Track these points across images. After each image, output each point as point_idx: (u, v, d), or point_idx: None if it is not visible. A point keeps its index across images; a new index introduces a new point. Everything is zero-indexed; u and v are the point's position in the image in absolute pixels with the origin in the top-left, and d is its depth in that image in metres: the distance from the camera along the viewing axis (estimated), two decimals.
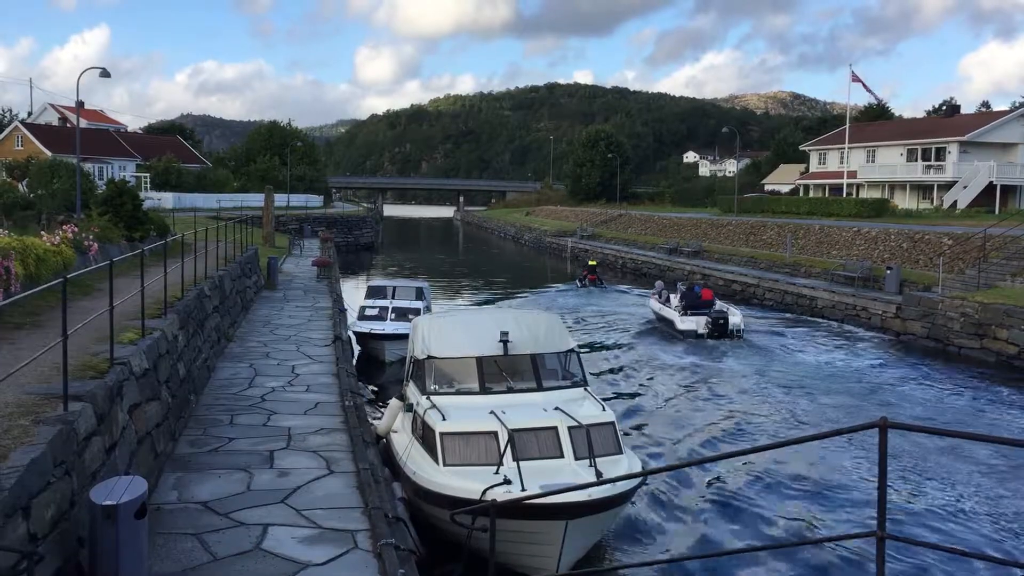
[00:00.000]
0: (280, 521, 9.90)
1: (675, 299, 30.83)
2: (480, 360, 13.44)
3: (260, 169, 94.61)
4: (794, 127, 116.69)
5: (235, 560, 8.85)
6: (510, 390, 13.14)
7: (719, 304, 30.39)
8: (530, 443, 11.35)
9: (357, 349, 24.78)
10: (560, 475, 10.84)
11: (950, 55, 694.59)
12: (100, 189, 37.08)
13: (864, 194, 66.74)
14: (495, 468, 10.99)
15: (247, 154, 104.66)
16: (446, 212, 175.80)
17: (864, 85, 66.20)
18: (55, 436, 7.50)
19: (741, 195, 70.30)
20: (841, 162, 71.49)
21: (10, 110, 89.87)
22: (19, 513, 6.48)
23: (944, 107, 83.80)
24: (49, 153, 62.18)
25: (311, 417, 14.60)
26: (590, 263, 48.24)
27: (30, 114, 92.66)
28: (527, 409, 12.20)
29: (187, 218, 42.83)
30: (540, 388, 13.28)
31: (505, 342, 13.55)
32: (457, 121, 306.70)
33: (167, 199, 65.51)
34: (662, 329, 31.21)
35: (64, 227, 20.41)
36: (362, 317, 25.39)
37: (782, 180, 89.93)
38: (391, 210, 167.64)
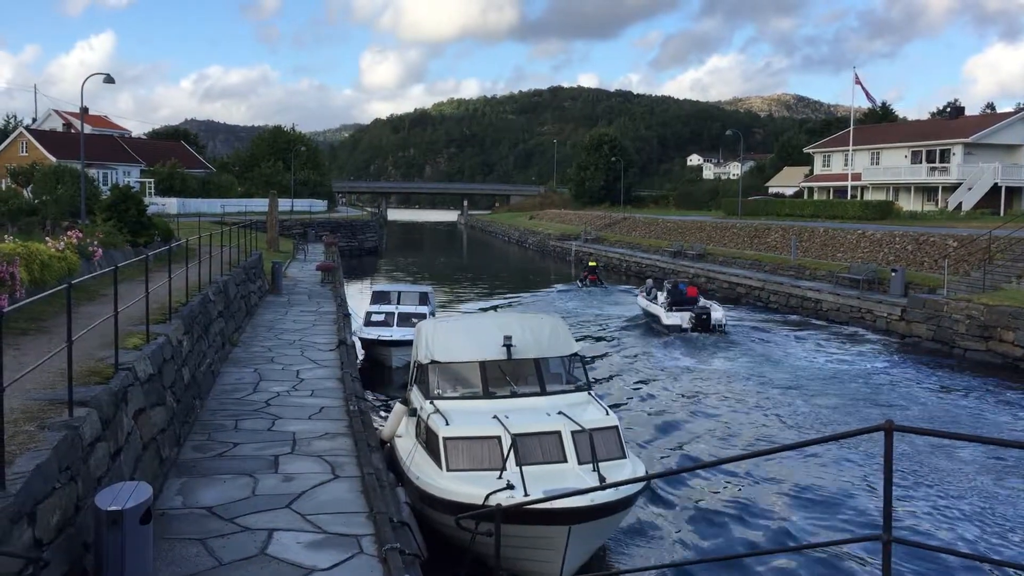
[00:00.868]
0: (285, 526, 9.91)
1: (662, 296, 32.32)
2: (483, 364, 13.43)
3: (264, 174, 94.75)
4: (798, 130, 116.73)
5: (240, 565, 8.85)
6: (514, 394, 13.13)
7: (703, 301, 31.94)
8: (533, 448, 11.33)
9: (361, 354, 24.78)
10: (563, 480, 10.82)
11: (955, 57, 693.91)
12: (104, 195, 37.17)
13: (868, 196, 66.68)
14: (498, 473, 10.98)
15: (251, 159, 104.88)
16: (450, 216, 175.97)
17: (865, 91, 66.16)
18: (60, 442, 7.52)
19: (745, 198, 70.29)
20: (845, 164, 71.44)
21: (15, 116, 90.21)
22: (25, 519, 6.49)
23: (948, 109, 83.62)
24: (54, 159, 62.38)
25: (316, 422, 14.60)
26: (590, 264, 49.71)
27: (34, 120, 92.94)
28: (530, 413, 12.19)
29: (191, 223, 42.91)
30: (544, 392, 13.25)
31: (508, 346, 13.54)
32: (461, 125, 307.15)
33: (171, 204, 65.64)
34: (649, 324, 32.67)
35: (69, 233, 20.46)
36: (368, 323, 25.39)
37: (786, 183, 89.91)
38: (395, 214, 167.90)
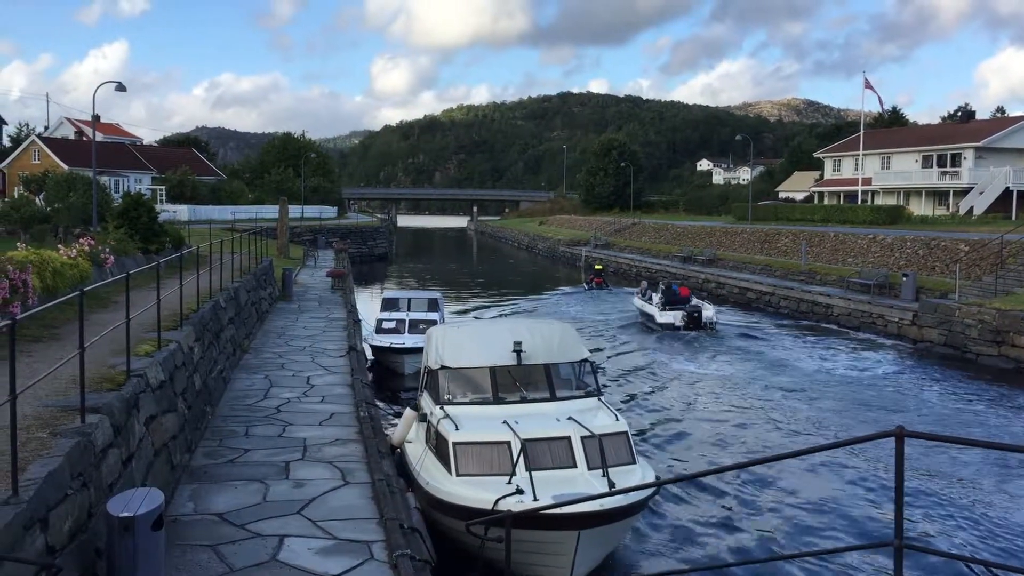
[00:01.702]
0: (296, 532, 9.93)
1: (656, 296, 33.88)
2: (493, 370, 13.45)
3: (274, 181, 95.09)
4: (808, 134, 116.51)
5: (252, 571, 8.87)
6: (523, 400, 13.14)
7: (695, 300, 33.56)
8: (543, 453, 11.33)
9: (371, 360, 24.80)
10: (573, 485, 10.82)
11: (966, 61, 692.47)
12: (116, 202, 37.37)
13: (879, 201, 66.46)
14: (508, 478, 10.98)
15: (261, 166, 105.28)
16: (460, 222, 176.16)
17: (876, 94, 66.03)
18: (72, 448, 7.55)
19: (755, 203, 70.14)
20: (856, 169, 71.23)
21: (27, 124, 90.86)
22: (37, 525, 6.52)
23: (959, 113, 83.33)
24: (66, 167, 62.75)
25: (326, 428, 14.63)
26: (596, 267, 52.06)
27: (47, 128, 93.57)
28: (540, 419, 12.19)
29: (202, 230, 43.06)
30: (553, 398, 13.27)
31: (518, 352, 13.55)
32: (470, 131, 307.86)
33: (182, 211, 65.95)
34: (644, 323, 34.26)
35: (81, 240, 20.58)
36: (379, 330, 25.43)
37: (796, 187, 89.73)
38: (405, 220, 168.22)
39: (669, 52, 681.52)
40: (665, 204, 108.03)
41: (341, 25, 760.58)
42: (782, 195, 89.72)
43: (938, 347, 28.14)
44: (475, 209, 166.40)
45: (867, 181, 68.89)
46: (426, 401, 14.10)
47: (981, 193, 58.69)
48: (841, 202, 69.53)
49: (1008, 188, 57.16)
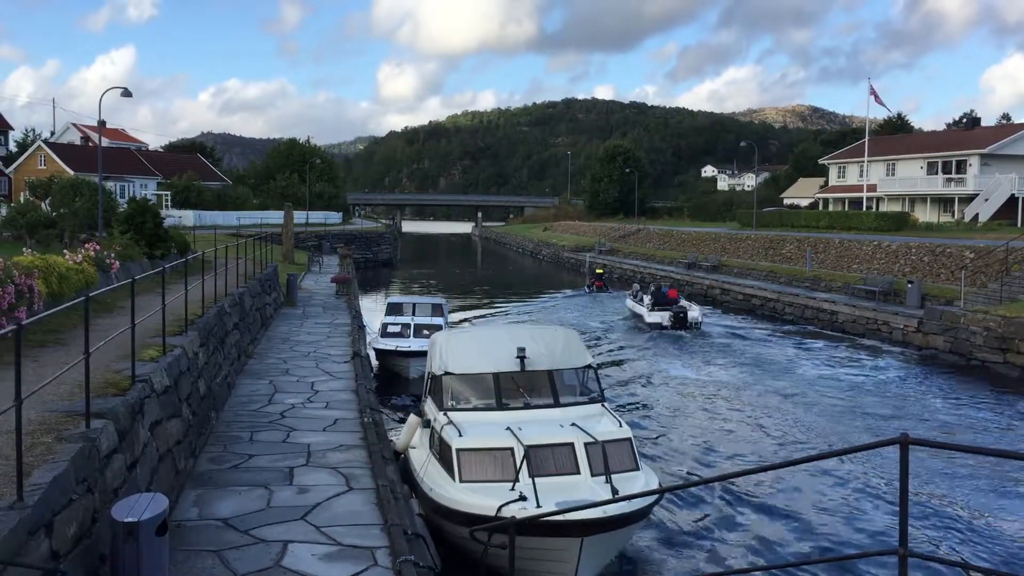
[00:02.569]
0: (300, 538, 9.93)
1: (647, 298, 35.75)
2: (497, 376, 13.45)
3: (279, 186, 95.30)
4: (813, 141, 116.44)
5: None
6: (527, 406, 13.13)
7: (683, 301, 35.64)
8: (546, 459, 11.33)
9: (375, 365, 24.83)
10: (576, 492, 10.81)
11: (973, 68, 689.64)
12: (122, 207, 37.46)
13: (884, 208, 66.37)
14: (511, 484, 10.97)
15: (267, 172, 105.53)
16: (464, 228, 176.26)
17: (877, 98, 65.90)
18: (77, 453, 7.57)
19: (760, 209, 70.10)
20: (861, 175, 71.14)
21: (33, 129, 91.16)
22: (42, 530, 6.54)
23: (964, 120, 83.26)
24: (71, 172, 62.98)
25: (330, 434, 14.64)
26: (597, 271, 54.03)
27: (53, 133, 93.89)
28: (543, 425, 12.19)
29: (207, 236, 43.18)
30: (557, 404, 13.25)
31: (522, 358, 13.55)
32: (475, 137, 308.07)
33: (188, 217, 66.07)
34: (635, 324, 36.12)
35: (86, 245, 20.63)
36: (384, 335, 25.48)
37: (801, 194, 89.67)
38: (409, 226, 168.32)
39: (675, 58, 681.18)
40: (670, 210, 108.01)
41: (348, 31, 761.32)
42: (787, 202, 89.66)
43: (943, 354, 28.08)
44: (480, 215, 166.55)
45: (872, 188, 68.81)
46: (430, 407, 14.10)
47: (986, 200, 58.59)
48: (846, 209, 69.43)
49: (1013, 195, 57.03)
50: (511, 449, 11.42)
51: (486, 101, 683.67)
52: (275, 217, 69.23)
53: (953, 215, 61.68)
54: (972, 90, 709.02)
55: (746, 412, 21.41)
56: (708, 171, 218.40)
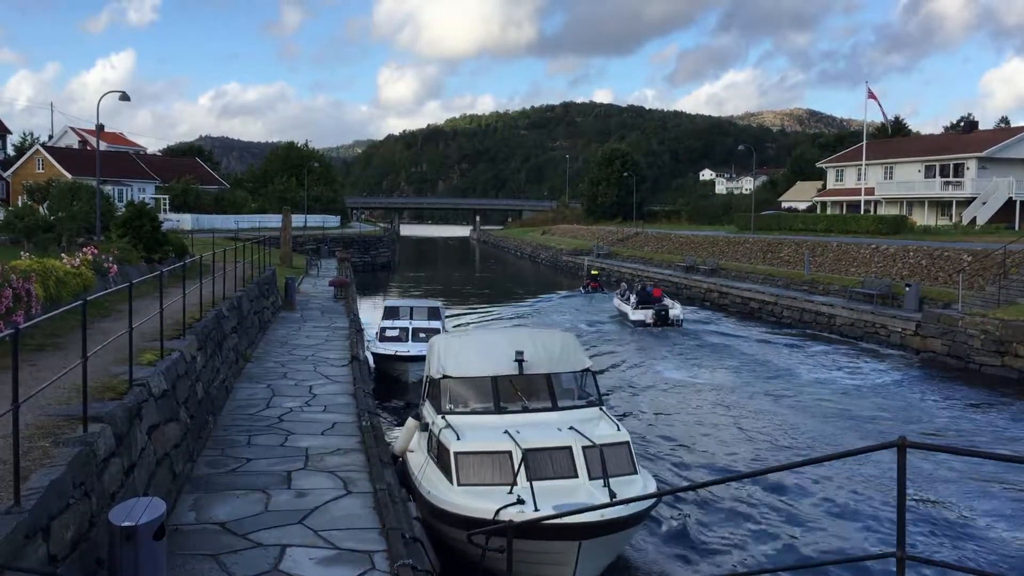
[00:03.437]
0: (298, 542, 9.92)
1: (633, 297, 37.91)
2: (495, 379, 13.44)
3: (278, 190, 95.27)
4: (811, 144, 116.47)
5: None
6: (525, 409, 13.13)
7: (666, 300, 37.70)
8: (544, 463, 11.32)
9: (372, 368, 24.82)
10: (574, 495, 10.80)
11: (972, 71, 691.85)
12: (120, 211, 37.44)
13: (882, 211, 66.43)
14: (509, 488, 10.97)
15: (265, 175, 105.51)
16: (462, 231, 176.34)
17: (880, 107, 66.07)
18: (75, 457, 7.56)
19: (758, 212, 70.13)
20: (859, 179, 71.22)
21: (31, 133, 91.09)
22: (39, 534, 6.53)
23: (962, 123, 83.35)
24: (69, 175, 62.86)
25: (328, 437, 14.63)
26: (592, 272, 56.11)
27: (51, 137, 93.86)
28: (541, 429, 12.18)
29: (206, 239, 43.18)
30: (555, 407, 13.25)
31: (520, 361, 13.54)
32: (473, 140, 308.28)
33: (186, 220, 66.05)
34: (621, 321, 38.16)
35: (84, 249, 20.61)
36: (382, 338, 25.47)
37: (799, 197, 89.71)
38: (408, 230, 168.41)
39: (675, 62, 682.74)
40: (668, 214, 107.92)
41: (349, 35, 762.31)
42: (785, 205, 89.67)
43: (941, 357, 28.10)
44: (478, 218, 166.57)
45: (870, 191, 68.88)
46: (428, 410, 14.10)
47: (984, 203, 58.69)
48: (844, 212, 69.50)
49: (1011, 198, 57.16)
50: (509, 452, 11.42)
51: (485, 105, 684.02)
52: (273, 221, 69.25)
53: (951, 218, 61.77)
54: (971, 93, 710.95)
55: (743, 415, 21.41)
56: (706, 174, 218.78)
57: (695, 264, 54.91)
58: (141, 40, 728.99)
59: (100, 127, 38.04)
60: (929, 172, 65.85)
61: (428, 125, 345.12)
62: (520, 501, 10.59)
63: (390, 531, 10.11)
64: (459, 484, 11.41)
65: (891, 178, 69.67)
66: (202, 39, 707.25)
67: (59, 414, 8.99)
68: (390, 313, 27.42)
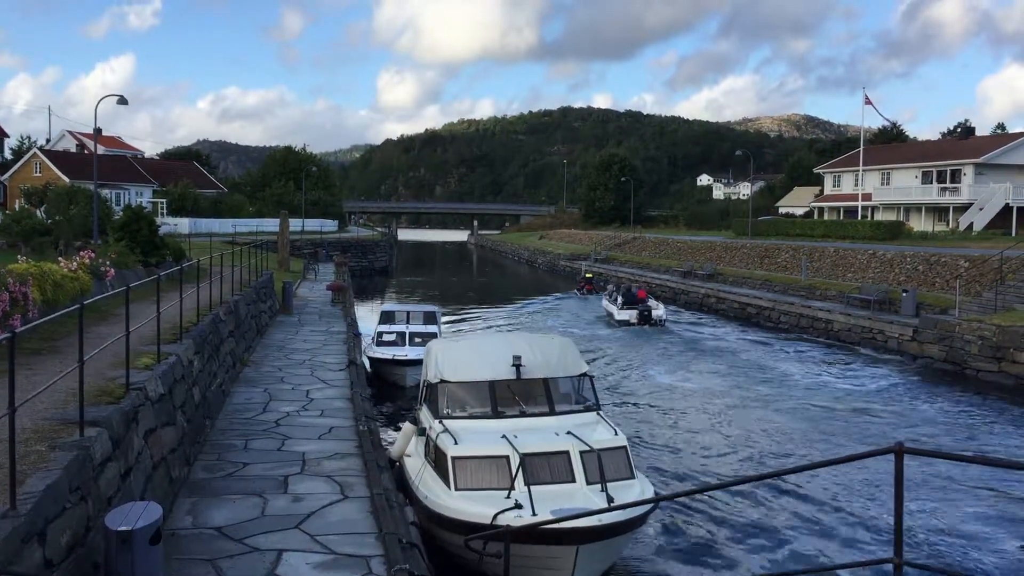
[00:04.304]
0: (294, 547, 9.90)
1: (620, 298, 39.52)
2: (492, 384, 13.44)
3: (275, 194, 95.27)
4: (808, 150, 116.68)
5: None
6: (523, 414, 13.13)
7: (651, 301, 39.64)
8: (541, 468, 11.32)
9: (369, 372, 24.80)
10: (571, 500, 10.80)
11: (970, 77, 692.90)
12: (117, 215, 37.41)
13: (879, 216, 66.55)
14: (506, 492, 10.96)
15: (262, 179, 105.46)
16: (460, 236, 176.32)
17: (877, 111, 66.26)
18: (71, 461, 7.55)
19: (755, 218, 70.21)
20: (856, 184, 71.36)
21: (29, 137, 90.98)
22: (35, 539, 6.51)
23: (959, 129, 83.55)
24: (67, 179, 62.88)
25: (325, 442, 14.61)
26: (587, 275, 57.88)
27: (48, 141, 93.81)
28: (539, 433, 12.18)
29: (203, 243, 43.12)
30: (553, 412, 13.25)
31: (518, 366, 13.55)
32: (471, 145, 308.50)
33: (183, 224, 66.01)
34: (607, 320, 39.76)
35: (81, 253, 20.58)
36: (380, 343, 25.48)
37: (796, 203, 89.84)
38: (405, 234, 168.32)
39: (674, 67, 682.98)
40: (665, 219, 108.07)
41: (349, 39, 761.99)
42: (782, 210, 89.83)
43: (938, 363, 28.11)
44: (476, 223, 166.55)
45: (867, 197, 69.00)
46: (425, 415, 14.10)
47: (981, 209, 58.78)
48: (841, 217, 69.60)
49: (1008, 204, 57.24)
50: (507, 457, 11.42)
51: (484, 109, 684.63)
52: (271, 225, 69.17)
53: (948, 224, 61.85)
54: (968, 100, 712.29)
55: (740, 420, 21.41)
56: (704, 180, 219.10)
57: (693, 269, 54.95)
58: (141, 44, 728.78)
59: (98, 131, 38.00)
60: (926, 178, 65.99)
61: (426, 130, 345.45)
62: (518, 506, 10.59)
63: (387, 536, 10.09)
64: (456, 489, 11.40)
65: (888, 184, 69.79)
66: (202, 43, 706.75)
67: (55, 418, 8.97)
68: (387, 317, 27.43)
